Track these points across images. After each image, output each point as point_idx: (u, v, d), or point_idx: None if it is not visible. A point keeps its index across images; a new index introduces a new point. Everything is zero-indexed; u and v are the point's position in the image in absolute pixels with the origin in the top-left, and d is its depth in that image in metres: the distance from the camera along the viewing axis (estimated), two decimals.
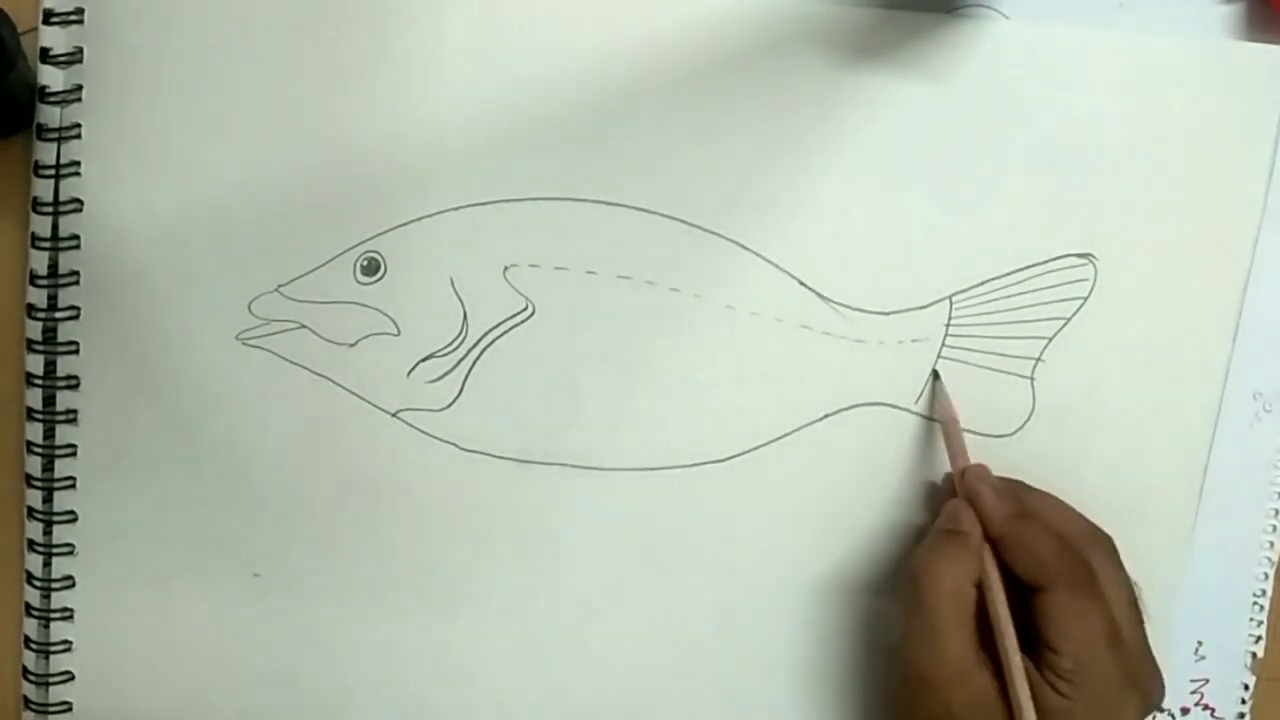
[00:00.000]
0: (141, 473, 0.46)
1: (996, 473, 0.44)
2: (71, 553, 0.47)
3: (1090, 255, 0.46)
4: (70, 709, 0.47)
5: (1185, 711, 0.48)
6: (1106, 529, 0.45)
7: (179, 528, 0.46)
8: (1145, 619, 0.42)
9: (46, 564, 0.47)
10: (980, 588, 0.42)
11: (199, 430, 0.46)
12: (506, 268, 0.46)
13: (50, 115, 0.45)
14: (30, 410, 0.46)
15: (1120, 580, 0.42)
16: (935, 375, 0.46)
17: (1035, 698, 0.40)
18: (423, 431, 0.46)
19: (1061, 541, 0.42)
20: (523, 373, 0.46)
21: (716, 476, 0.47)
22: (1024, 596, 0.42)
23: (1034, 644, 0.41)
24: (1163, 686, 0.42)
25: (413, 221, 0.46)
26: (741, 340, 0.46)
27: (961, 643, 0.40)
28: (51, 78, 0.45)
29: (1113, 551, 0.43)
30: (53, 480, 0.46)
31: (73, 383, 0.46)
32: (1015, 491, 0.44)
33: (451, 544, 0.47)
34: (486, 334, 0.46)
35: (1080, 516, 0.43)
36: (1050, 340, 0.47)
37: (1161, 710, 0.48)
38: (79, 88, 0.45)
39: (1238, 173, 0.46)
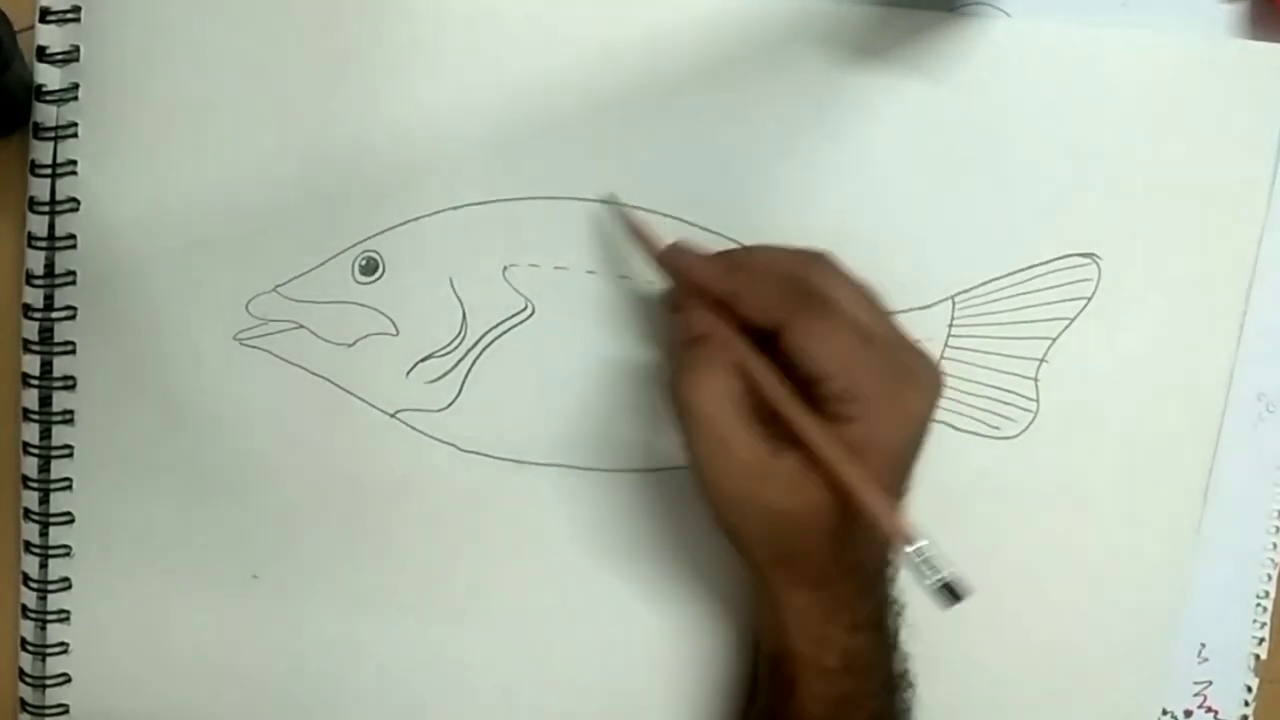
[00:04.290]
0: (138, 474, 0.46)
1: (998, 476, 0.44)
2: (68, 554, 0.46)
3: (1093, 255, 0.46)
4: (67, 711, 0.47)
5: (1188, 714, 0.48)
6: (1110, 530, 0.45)
7: (176, 529, 0.46)
8: (891, 311, 0.41)
9: (43, 566, 0.46)
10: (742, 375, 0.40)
11: (196, 431, 0.46)
12: (506, 268, 0.46)
13: (47, 114, 0.45)
14: (27, 411, 0.46)
15: (850, 286, 0.40)
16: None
17: (834, 436, 0.38)
18: (422, 432, 0.46)
19: (779, 277, 0.40)
20: (522, 373, 0.46)
21: None
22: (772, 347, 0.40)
23: (806, 391, 0.39)
24: (936, 372, 0.40)
25: (412, 221, 0.45)
26: None
27: (750, 440, 0.39)
28: (48, 76, 0.44)
29: (830, 263, 0.41)
30: (49, 481, 0.46)
31: (69, 383, 0.46)
32: (722, 253, 0.42)
33: (451, 544, 0.47)
34: (486, 334, 0.46)
35: (788, 249, 0.41)
36: (1054, 341, 0.46)
37: (1165, 713, 0.48)
38: (75, 86, 0.44)
39: (1241, 171, 0.46)
